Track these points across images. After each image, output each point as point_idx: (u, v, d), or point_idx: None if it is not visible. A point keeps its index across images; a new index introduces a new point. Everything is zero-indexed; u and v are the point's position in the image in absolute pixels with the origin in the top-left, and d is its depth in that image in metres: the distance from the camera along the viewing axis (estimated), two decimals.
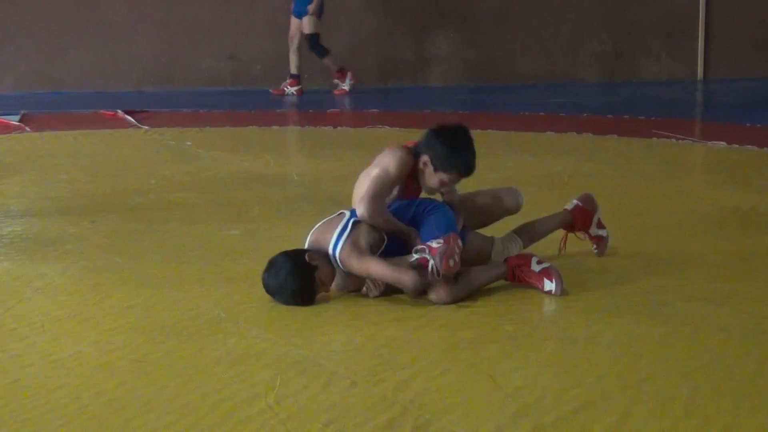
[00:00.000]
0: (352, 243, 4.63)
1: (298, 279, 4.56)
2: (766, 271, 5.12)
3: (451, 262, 4.55)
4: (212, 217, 6.24)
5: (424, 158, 4.82)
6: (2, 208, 6.52)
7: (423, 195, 4.99)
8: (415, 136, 5.04)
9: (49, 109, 11.25)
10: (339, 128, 9.70)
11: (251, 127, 9.75)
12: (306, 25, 12.02)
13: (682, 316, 4.43)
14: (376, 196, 4.72)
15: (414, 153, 4.84)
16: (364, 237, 4.67)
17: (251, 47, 12.80)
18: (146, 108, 10.86)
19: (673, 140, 8.77)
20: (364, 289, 4.69)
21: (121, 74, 12.61)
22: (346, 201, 4.98)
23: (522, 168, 7.61)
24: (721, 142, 8.56)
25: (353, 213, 4.73)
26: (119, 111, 10.51)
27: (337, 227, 4.69)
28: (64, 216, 6.33)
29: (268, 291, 4.62)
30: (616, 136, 9.08)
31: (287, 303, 4.56)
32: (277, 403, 3.56)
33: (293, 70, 12.29)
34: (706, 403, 3.53)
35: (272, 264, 4.62)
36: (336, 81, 12.52)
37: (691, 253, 5.42)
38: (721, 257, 5.35)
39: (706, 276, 5.01)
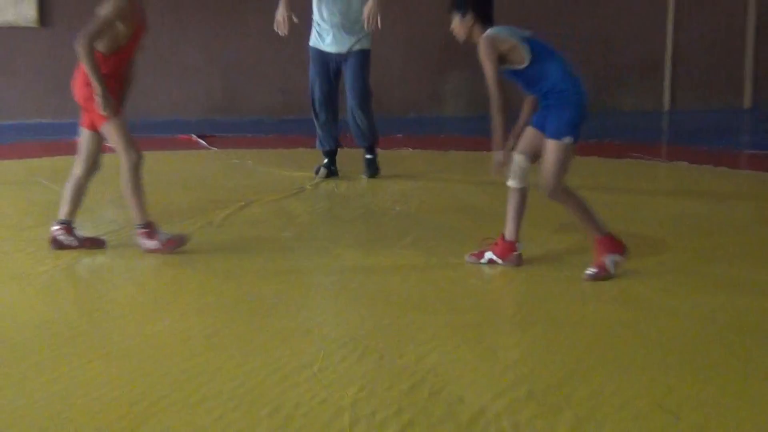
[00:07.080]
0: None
1: None
2: (696, 272, 5.14)
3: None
4: (268, 221, 6.28)
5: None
6: (102, 217, 6.54)
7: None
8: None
9: (135, 134, 11.27)
10: None
11: (300, 149, 9.77)
12: None
13: (642, 302, 4.45)
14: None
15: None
16: None
17: (299, 82, 12.79)
18: (214, 133, 10.90)
19: (644, 160, 8.76)
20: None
21: (194, 106, 12.67)
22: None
23: None
24: (683, 162, 8.56)
25: None
26: (193, 135, 10.57)
27: None
28: None
29: None
30: (596, 157, 9.06)
31: None
32: (321, 371, 3.60)
33: None
34: (664, 373, 3.56)
35: None
36: None
37: (657, 251, 5.42)
38: (677, 256, 5.37)
39: (659, 271, 5.04)
